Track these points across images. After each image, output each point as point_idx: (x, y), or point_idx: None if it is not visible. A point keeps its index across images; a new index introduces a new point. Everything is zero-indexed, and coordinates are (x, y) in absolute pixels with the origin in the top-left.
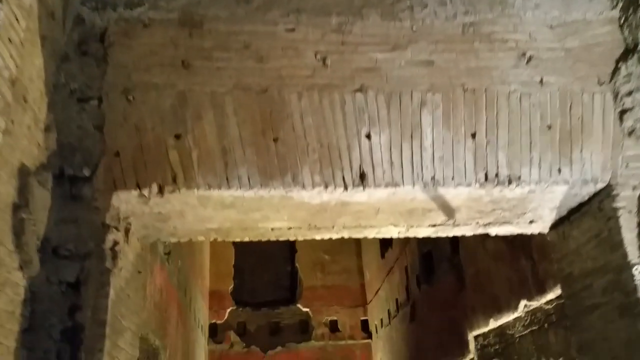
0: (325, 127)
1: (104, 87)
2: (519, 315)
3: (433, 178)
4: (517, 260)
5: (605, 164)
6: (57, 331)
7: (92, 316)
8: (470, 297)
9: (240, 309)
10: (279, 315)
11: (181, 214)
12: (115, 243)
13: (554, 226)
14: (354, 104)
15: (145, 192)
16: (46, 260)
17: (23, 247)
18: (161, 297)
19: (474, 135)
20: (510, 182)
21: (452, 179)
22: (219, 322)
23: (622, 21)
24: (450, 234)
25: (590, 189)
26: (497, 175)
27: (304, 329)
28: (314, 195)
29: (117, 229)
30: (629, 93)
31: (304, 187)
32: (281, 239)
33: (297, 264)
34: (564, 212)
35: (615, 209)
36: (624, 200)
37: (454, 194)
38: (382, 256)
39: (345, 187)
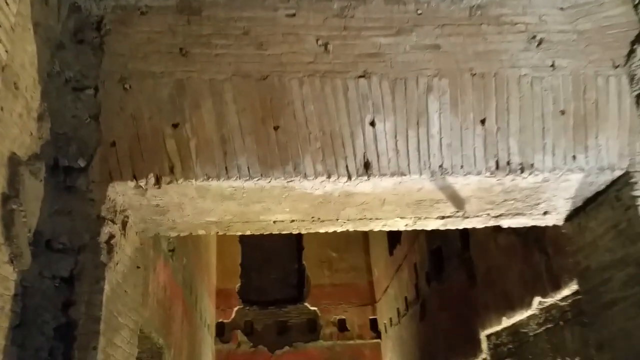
0: (328, 114)
1: (100, 75)
2: (533, 312)
3: (441, 166)
4: (530, 255)
5: (623, 150)
6: (50, 328)
7: (86, 312)
8: (482, 294)
9: (247, 307)
10: (287, 314)
11: (180, 207)
12: (111, 236)
13: (569, 217)
14: (357, 91)
15: (142, 183)
16: (39, 254)
17: (13, 240)
18: (165, 295)
19: (483, 122)
20: (522, 170)
21: (461, 167)
22: (226, 321)
23: (636, 2)
24: (460, 227)
25: (607, 177)
26: (508, 163)
27: (311, 328)
28: (316, 185)
29: (113, 221)
30: None
31: (305, 176)
32: (284, 232)
33: (304, 262)
34: (579, 202)
35: (634, 198)
36: None
37: (463, 183)
38: (391, 253)
39: (349, 177)
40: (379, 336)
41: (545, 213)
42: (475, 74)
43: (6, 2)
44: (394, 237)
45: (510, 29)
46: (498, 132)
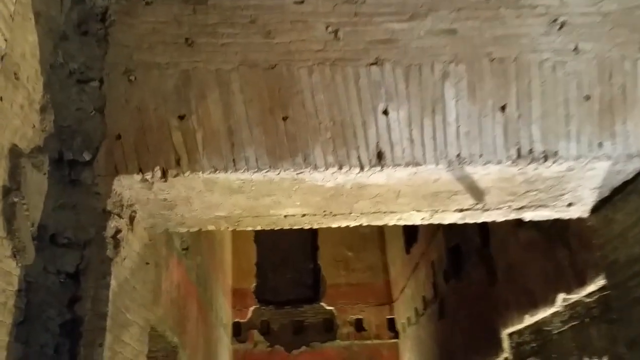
0: (338, 103)
1: (105, 67)
2: (557, 310)
3: (458, 156)
4: (553, 250)
5: None
6: (55, 324)
7: (92, 308)
8: (503, 291)
9: (264, 307)
10: (303, 313)
11: (188, 201)
12: (118, 231)
13: (595, 209)
14: (369, 78)
15: (148, 176)
16: (43, 249)
17: (15, 233)
18: (179, 293)
19: (503, 108)
20: (546, 158)
21: (480, 156)
22: (242, 321)
23: None
24: (480, 220)
25: (636, 165)
26: (531, 151)
27: (328, 327)
28: (327, 177)
29: (120, 215)
30: None
31: (316, 168)
32: (295, 227)
33: (319, 262)
34: (606, 193)
35: None
36: None
37: (483, 173)
38: (407, 252)
39: (362, 168)
40: (396, 336)
41: (569, 205)
42: (494, 59)
43: None
44: (410, 235)
45: (529, 12)
46: (519, 118)
